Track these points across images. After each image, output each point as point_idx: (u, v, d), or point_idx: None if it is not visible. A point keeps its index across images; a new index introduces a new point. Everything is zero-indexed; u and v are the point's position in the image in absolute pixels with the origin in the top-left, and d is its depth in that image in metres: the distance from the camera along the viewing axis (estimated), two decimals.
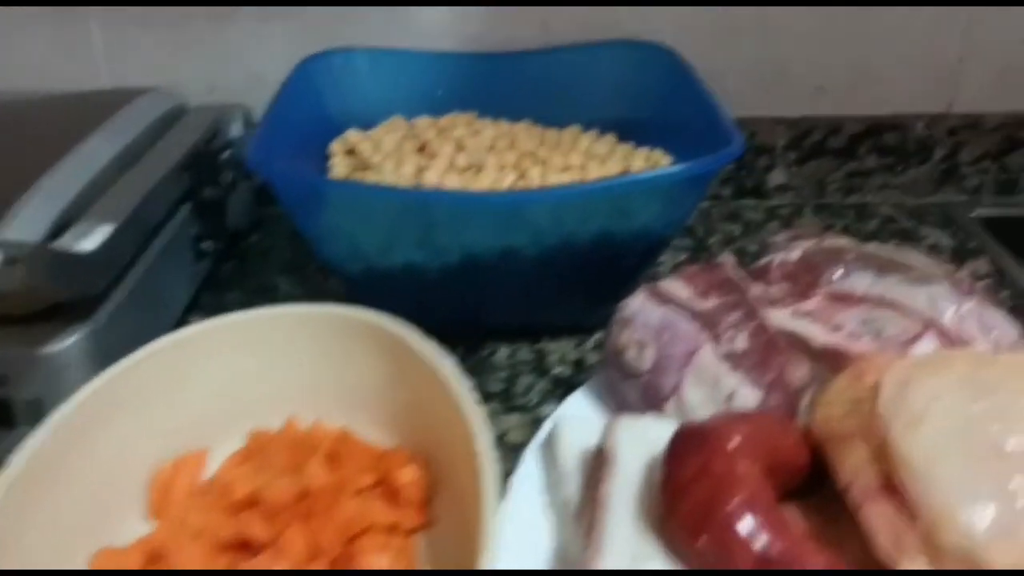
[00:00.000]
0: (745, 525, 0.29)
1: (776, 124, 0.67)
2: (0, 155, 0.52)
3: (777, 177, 0.69)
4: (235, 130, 0.63)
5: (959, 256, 0.62)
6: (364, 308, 0.49)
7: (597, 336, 0.54)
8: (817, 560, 0.29)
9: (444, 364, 0.39)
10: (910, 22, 0.65)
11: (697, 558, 0.30)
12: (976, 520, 0.29)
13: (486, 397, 0.49)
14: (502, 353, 0.53)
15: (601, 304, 0.54)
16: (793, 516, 0.34)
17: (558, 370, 0.52)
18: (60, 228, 0.45)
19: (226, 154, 0.62)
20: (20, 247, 0.37)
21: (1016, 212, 0.68)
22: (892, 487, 0.31)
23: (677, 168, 0.44)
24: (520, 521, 0.38)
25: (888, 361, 0.37)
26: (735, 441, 0.32)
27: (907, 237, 0.65)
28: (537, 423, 0.47)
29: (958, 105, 0.68)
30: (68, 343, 0.43)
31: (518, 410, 0.49)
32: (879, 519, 0.31)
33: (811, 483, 0.36)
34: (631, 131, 0.61)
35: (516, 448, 0.46)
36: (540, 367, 0.52)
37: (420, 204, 0.46)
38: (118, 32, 0.67)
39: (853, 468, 0.33)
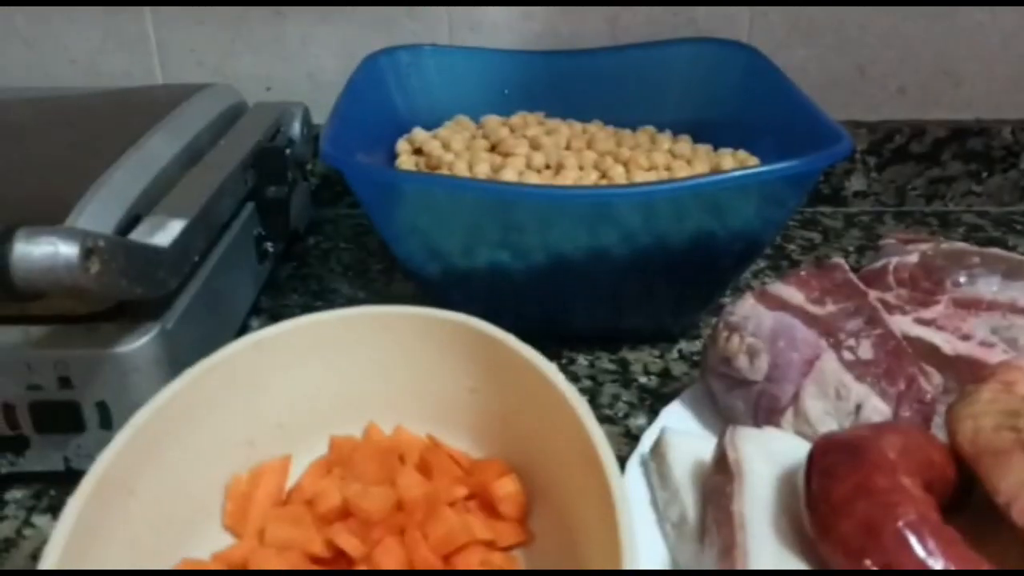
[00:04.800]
0: (919, 544, 0.26)
1: (856, 127, 0.64)
2: (61, 151, 0.49)
3: (856, 183, 0.66)
4: (295, 129, 0.61)
5: None
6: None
7: (680, 345, 0.51)
8: None
9: (548, 368, 0.36)
10: (995, 21, 0.63)
11: None
12: None
13: None
14: (581, 362, 0.50)
15: (685, 311, 0.51)
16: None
17: (643, 380, 0.49)
18: (129, 224, 0.43)
19: (287, 152, 0.59)
20: (96, 238, 0.35)
21: None
22: None
23: (786, 165, 0.41)
24: None
25: None
26: (893, 453, 0.29)
27: (996, 247, 0.61)
28: (629, 435, 0.45)
29: None
30: (138, 344, 0.40)
31: (606, 422, 0.46)
32: None
33: (956, 498, 0.33)
34: (706, 133, 0.58)
35: None
36: (624, 377, 0.49)
37: (505, 200, 0.43)
38: (173, 29, 0.65)
39: (1015, 485, 0.30)
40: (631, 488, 0.38)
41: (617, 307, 0.50)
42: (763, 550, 0.29)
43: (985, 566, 0.27)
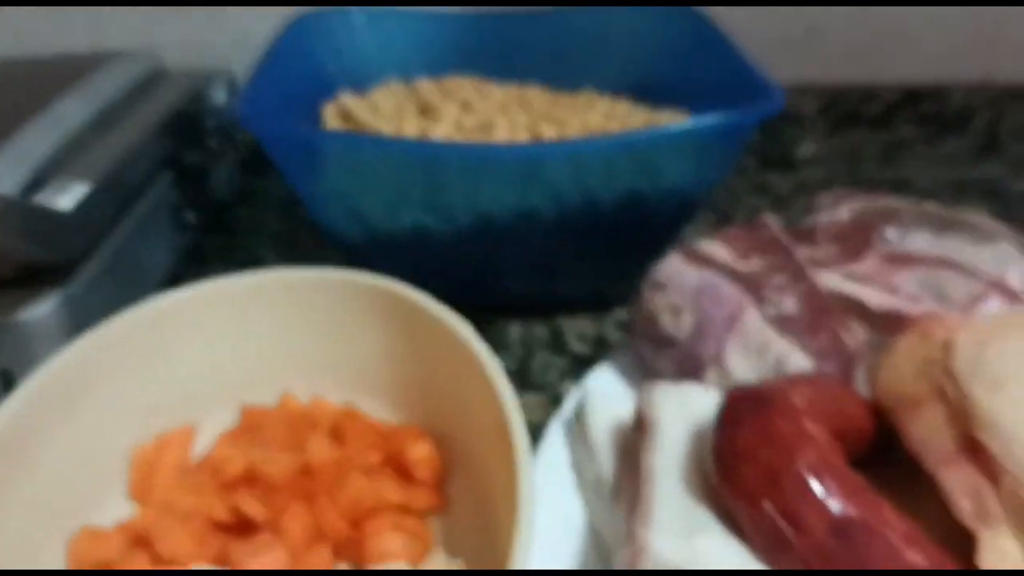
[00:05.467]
0: (819, 487, 0.25)
1: (806, 91, 0.63)
2: None
3: (807, 148, 0.65)
4: (219, 96, 0.59)
5: None
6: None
7: (616, 313, 0.50)
8: (898, 524, 0.25)
9: (463, 331, 0.35)
10: None
11: (761, 526, 0.26)
12: None
13: None
14: (515, 330, 0.49)
15: (622, 276, 0.50)
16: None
17: (577, 348, 0.48)
18: (34, 186, 0.41)
19: (210, 121, 0.58)
20: None
21: None
22: (972, 449, 0.28)
23: (713, 119, 0.40)
24: (548, 502, 0.34)
25: (957, 320, 0.33)
26: (799, 401, 0.28)
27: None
28: (557, 402, 0.43)
29: (998, 73, 0.64)
30: (42, 311, 0.38)
31: (535, 389, 0.44)
32: (959, 482, 0.28)
33: (874, 452, 0.32)
34: (648, 95, 0.57)
35: (535, 428, 0.41)
36: (557, 344, 0.48)
37: (428, 158, 0.42)
38: None
39: (927, 431, 0.29)
40: (551, 451, 0.37)
41: (549, 271, 0.48)
42: (669, 502, 0.28)
43: (886, 508, 0.26)
